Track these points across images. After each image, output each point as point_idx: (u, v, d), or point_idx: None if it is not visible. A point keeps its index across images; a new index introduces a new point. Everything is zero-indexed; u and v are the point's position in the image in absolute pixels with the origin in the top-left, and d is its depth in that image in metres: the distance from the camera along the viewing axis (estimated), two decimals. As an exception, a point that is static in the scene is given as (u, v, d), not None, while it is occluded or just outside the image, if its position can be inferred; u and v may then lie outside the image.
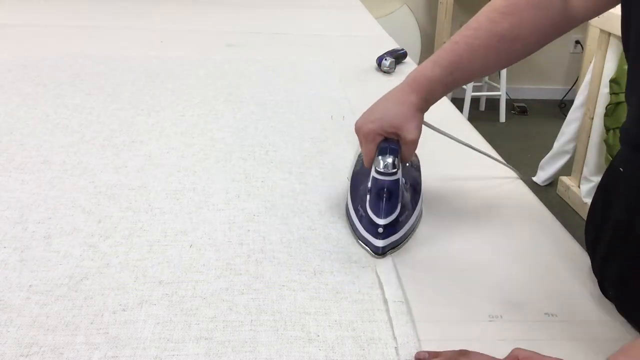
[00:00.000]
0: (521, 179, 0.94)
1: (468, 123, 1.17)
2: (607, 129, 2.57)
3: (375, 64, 1.47)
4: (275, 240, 0.75)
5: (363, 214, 0.74)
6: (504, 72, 4.06)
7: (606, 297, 0.65)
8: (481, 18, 0.75)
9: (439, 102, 0.81)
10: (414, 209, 0.77)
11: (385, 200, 0.72)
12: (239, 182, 0.88)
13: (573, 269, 0.72)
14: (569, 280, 0.69)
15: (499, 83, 4.17)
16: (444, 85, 0.76)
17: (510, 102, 4.36)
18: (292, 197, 0.85)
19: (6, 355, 0.55)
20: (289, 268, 0.69)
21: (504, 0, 0.74)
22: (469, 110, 4.20)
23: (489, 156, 0.96)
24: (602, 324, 0.62)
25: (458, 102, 3.92)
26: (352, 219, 0.77)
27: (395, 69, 1.44)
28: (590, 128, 2.71)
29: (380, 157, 0.73)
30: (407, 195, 0.77)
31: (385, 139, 0.75)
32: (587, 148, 2.75)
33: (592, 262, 0.69)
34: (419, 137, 0.76)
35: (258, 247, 0.73)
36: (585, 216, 0.71)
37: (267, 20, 1.97)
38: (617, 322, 0.63)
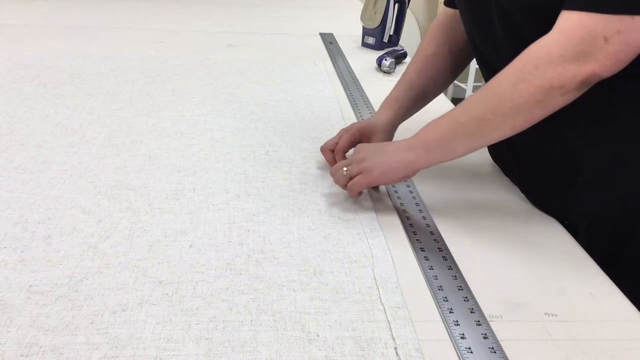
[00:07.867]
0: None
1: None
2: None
3: (375, 64, 1.47)
4: (275, 240, 0.75)
5: None
6: (504, 72, 4.06)
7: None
8: (419, 48, 0.99)
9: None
10: None
11: None
12: (239, 182, 0.88)
13: (573, 269, 0.72)
14: (569, 280, 0.69)
15: (499, 83, 4.17)
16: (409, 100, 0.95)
17: (510, 102, 4.36)
18: (292, 197, 0.85)
19: (6, 355, 0.55)
20: (289, 268, 0.69)
21: (430, 30, 0.99)
22: (469, 110, 4.19)
23: None
24: (602, 324, 0.62)
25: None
26: None
27: (395, 69, 1.44)
28: (590, 128, 2.70)
29: None
30: None
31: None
32: (587, 148, 2.74)
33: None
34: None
35: (258, 247, 0.73)
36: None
37: (267, 20, 1.97)
38: (617, 322, 0.63)
